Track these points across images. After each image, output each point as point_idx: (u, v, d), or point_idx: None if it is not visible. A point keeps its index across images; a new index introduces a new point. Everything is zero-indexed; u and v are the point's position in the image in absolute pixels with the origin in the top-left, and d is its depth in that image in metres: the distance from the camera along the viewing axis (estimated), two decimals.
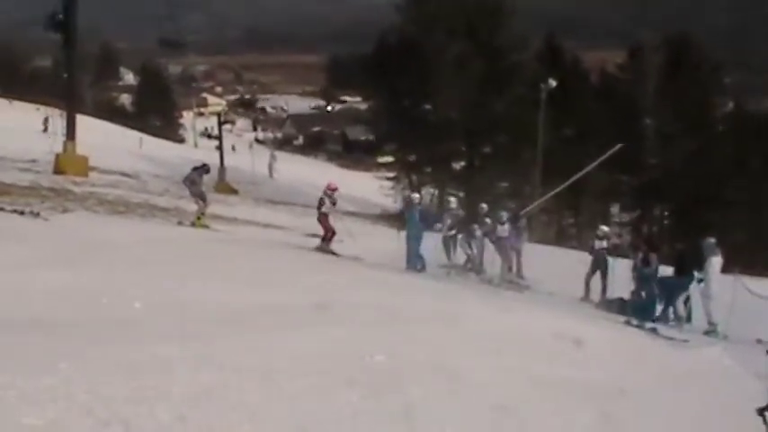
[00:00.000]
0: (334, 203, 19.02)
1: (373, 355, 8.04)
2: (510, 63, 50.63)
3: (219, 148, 45.77)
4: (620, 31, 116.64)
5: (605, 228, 19.20)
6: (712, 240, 15.67)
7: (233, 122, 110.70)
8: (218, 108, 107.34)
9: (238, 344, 7.83)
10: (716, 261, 15.26)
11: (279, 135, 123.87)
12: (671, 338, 13.14)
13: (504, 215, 19.39)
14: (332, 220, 18.83)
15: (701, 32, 65.93)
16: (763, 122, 58.97)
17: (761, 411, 2.74)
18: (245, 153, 61.09)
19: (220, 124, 53.79)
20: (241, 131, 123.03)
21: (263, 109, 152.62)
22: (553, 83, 39.87)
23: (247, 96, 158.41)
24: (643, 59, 56.82)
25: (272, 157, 57.72)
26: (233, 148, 52.26)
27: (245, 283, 11.50)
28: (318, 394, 6.59)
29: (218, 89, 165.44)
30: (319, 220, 18.87)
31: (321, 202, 18.95)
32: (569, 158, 39.89)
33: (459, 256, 19.59)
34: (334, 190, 19.32)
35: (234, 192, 38.15)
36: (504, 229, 18.67)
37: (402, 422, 6.28)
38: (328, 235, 18.61)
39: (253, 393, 6.34)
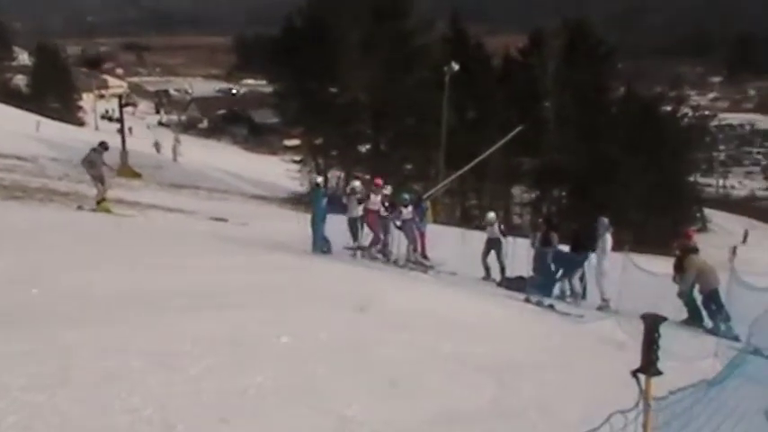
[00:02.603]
0: (384, 203, 18.81)
1: (279, 336, 8.15)
2: (415, 46, 51.00)
3: (121, 131, 44.63)
4: (522, 17, 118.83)
5: (491, 215, 19.45)
6: (605, 219, 16.29)
7: (135, 105, 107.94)
8: (120, 90, 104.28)
9: (140, 328, 7.81)
10: (608, 239, 15.92)
11: (183, 118, 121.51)
12: (567, 314, 13.66)
13: (408, 198, 19.62)
14: (378, 222, 18.58)
15: (595, 18, 67.78)
16: (652, 106, 61.37)
17: (634, 373, 2.99)
18: (145, 136, 59.85)
19: (122, 107, 52.38)
20: (144, 114, 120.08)
21: (166, 92, 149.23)
22: (456, 66, 40.38)
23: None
24: (543, 45, 58.14)
25: (176, 141, 56.75)
26: (130, 131, 50.94)
27: (147, 268, 11.41)
28: (222, 376, 6.66)
29: (120, 71, 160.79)
30: (367, 221, 18.59)
31: (362, 199, 18.73)
32: (472, 141, 40.64)
33: (366, 238, 19.73)
34: (380, 185, 19.38)
35: (137, 176, 37.36)
36: (408, 212, 18.90)
37: (307, 400, 6.40)
38: (375, 239, 18.58)
39: (156, 376, 6.36)
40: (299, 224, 19.62)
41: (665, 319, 3.02)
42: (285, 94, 54.42)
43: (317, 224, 18.09)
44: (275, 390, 6.55)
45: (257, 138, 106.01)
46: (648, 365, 2.96)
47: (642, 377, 2.97)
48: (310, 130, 53.26)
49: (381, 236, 18.49)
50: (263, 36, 70.49)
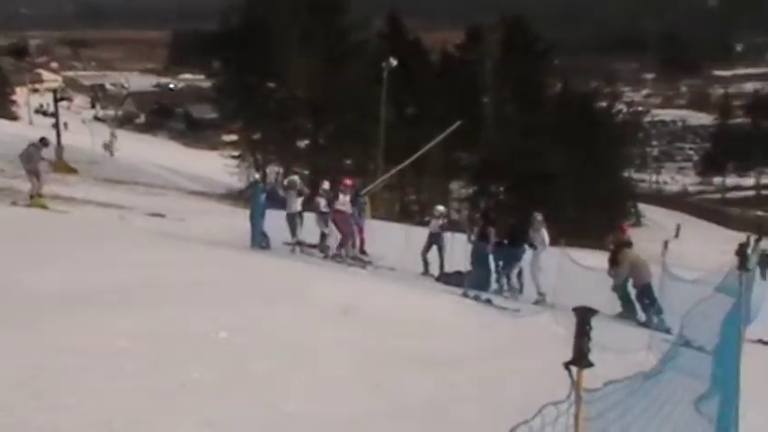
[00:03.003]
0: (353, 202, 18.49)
1: (217, 331, 8.09)
2: (352, 42, 51.01)
3: (56, 125, 43.64)
4: (458, 13, 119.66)
5: (441, 207, 19.74)
6: (539, 215, 16.53)
7: (70, 99, 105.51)
8: (55, 84, 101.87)
9: (75, 326, 7.69)
10: (544, 233, 16.17)
11: (119, 113, 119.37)
12: (504, 308, 13.82)
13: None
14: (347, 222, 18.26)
15: (532, 15, 68.58)
16: (588, 102, 62.48)
17: (566, 365, 3.03)
18: (79, 131, 58.63)
19: (56, 101, 51.21)
20: (79, 109, 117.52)
21: (101, 86, 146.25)
22: (394, 62, 40.45)
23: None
24: (481, 41, 58.65)
25: (112, 136, 55.75)
26: (65, 126, 49.87)
27: (82, 263, 11.22)
28: (160, 372, 6.60)
29: (55, 65, 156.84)
30: (334, 221, 18.22)
31: (332, 199, 18.39)
32: (411, 136, 40.81)
33: (305, 234, 19.63)
34: (350, 186, 19.04)
35: (72, 171, 36.56)
36: (345, 201, 18.91)
37: (245, 396, 6.38)
38: (344, 240, 18.15)
39: (92, 374, 6.27)
40: (237, 219, 19.46)
41: (596, 311, 3.06)
42: (223, 89, 53.94)
43: (256, 219, 17.96)
44: (214, 385, 6.51)
45: (195, 133, 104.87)
46: (580, 357, 3.00)
47: (574, 369, 3.01)
48: (249, 125, 52.90)
49: (349, 236, 18.22)
50: (201, 31, 69.68)
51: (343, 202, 18.22)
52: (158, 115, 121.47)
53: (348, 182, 19.53)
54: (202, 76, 78.93)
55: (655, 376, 3.80)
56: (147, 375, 6.47)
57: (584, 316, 3.08)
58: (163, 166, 54.51)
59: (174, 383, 6.36)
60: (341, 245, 18.09)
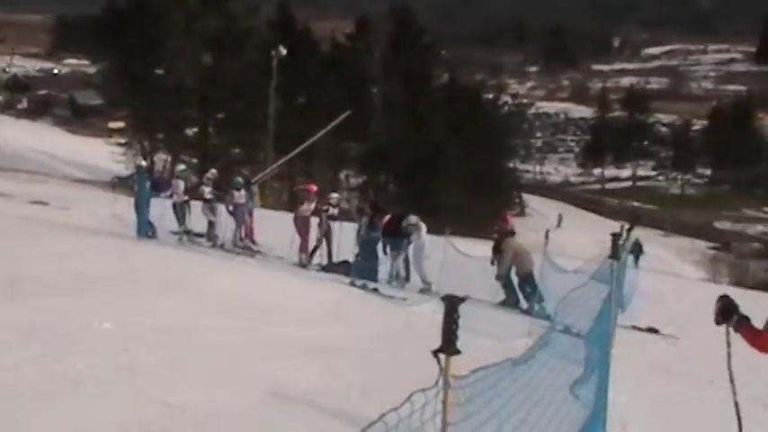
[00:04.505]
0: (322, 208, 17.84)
1: (101, 322, 7.92)
2: (241, 29, 50.37)
3: None
4: (348, 2, 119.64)
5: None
6: (413, 218, 16.71)
7: None
8: None
9: None
10: (422, 228, 16.39)
11: (0, 98, 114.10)
12: (391, 297, 13.98)
13: (241, 181, 19.45)
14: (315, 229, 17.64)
15: (420, 6, 69.37)
16: (473, 94, 63.69)
17: (435, 353, 3.13)
18: None
19: None
20: None
21: None
22: (284, 51, 40.25)
23: None
24: (369, 31, 58.91)
25: None
26: None
27: None
28: (40, 365, 6.44)
29: None
30: (296, 226, 17.68)
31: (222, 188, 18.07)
32: (301, 125, 40.66)
33: (192, 223, 19.34)
34: (314, 192, 18.61)
35: None
36: (240, 195, 18.75)
37: (129, 387, 6.28)
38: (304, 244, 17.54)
39: None
40: (123, 208, 19.00)
41: (464, 299, 3.17)
42: (109, 74, 52.35)
43: (142, 208, 17.57)
44: (96, 377, 6.39)
45: (80, 119, 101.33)
46: (448, 345, 3.11)
47: (443, 356, 3.12)
48: (135, 112, 51.54)
49: (311, 241, 17.71)
50: (85, 15, 67.44)
51: (308, 208, 17.88)
52: (42, 101, 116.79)
53: (313, 187, 19.37)
54: (87, 62, 76.40)
55: (526, 362, 3.95)
56: (27, 368, 6.31)
57: (452, 304, 3.18)
58: (47, 152, 52.68)
59: (54, 376, 6.21)
60: (302, 250, 17.61)
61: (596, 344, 6.01)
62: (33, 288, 9.15)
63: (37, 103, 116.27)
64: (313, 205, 17.99)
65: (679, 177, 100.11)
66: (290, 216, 18.93)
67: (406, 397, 2.83)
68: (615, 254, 5.90)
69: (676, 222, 74.89)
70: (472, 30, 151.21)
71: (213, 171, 20.49)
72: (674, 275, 29.17)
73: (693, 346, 12.81)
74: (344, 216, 19.42)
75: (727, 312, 4.50)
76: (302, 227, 17.66)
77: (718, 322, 4.56)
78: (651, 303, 15.22)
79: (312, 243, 17.56)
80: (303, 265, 17.17)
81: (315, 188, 19.51)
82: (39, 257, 11.37)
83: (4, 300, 8.37)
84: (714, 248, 65.89)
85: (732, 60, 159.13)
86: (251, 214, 19.19)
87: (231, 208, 18.78)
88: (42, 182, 34.44)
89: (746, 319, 4.44)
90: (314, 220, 17.86)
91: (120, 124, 59.98)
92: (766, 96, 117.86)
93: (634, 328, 13.31)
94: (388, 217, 17.37)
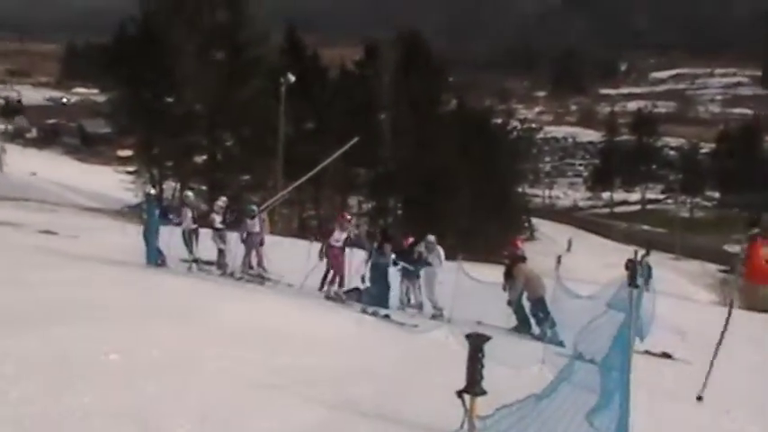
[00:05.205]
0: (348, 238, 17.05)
1: (107, 353, 7.84)
2: (250, 57, 50.61)
3: None
4: (354, 29, 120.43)
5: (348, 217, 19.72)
6: (432, 237, 16.74)
7: None
8: None
9: None
10: (439, 251, 16.40)
11: (9, 127, 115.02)
12: (402, 324, 13.88)
13: (254, 209, 19.34)
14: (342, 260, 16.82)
15: (428, 31, 69.64)
16: (482, 119, 63.74)
17: (459, 393, 3.05)
18: None
19: None
20: None
21: None
22: (292, 78, 40.41)
23: None
24: (378, 57, 59.15)
25: (2, 150, 53.74)
26: None
27: None
28: (47, 398, 6.35)
29: None
30: (327, 255, 16.92)
31: (329, 233, 17.22)
32: (310, 152, 40.73)
33: (202, 251, 19.28)
34: (348, 220, 18.05)
35: None
36: (254, 224, 18.60)
37: (135, 421, 6.19)
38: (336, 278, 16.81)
39: None
40: (132, 236, 18.97)
41: (489, 338, 3.08)
42: (118, 103, 52.55)
43: (151, 236, 17.53)
44: (102, 410, 6.31)
45: (90, 148, 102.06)
46: (473, 385, 3.02)
47: (467, 397, 3.03)
48: (144, 140, 51.66)
49: (344, 274, 16.86)
50: (95, 44, 68.02)
51: (338, 238, 16.95)
52: (51, 130, 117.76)
53: (348, 216, 18.88)
54: (96, 90, 76.93)
55: (548, 396, 3.87)
56: (33, 402, 6.21)
57: (477, 343, 3.10)
58: (56, 182, 52.87)
59: (61, 410, 6.13)
60: (333, 282, 16.80)
61: (613, 371, 5.92)
62: (40, 318, 9.10)
63: (46, 132, 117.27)
64: (344, 235, 17.09)
65: (688, 201, 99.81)
66: (301, 243, 18.84)
67: None
68: (634, 281, 5.80)
69: (686, 246, 74.53)
70: (480, 54, 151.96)
71: (224, 199, 20.41)
72: (685, 299, 28.93)
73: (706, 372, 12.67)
74: (353, 242, 19.29)
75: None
76: (335, 258, 16.85)
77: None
78: (664, 328, 15.05)
79: (347, 276, 16.91)
80: (339, 299, 16.33)
81: (349, 217, 19.12)
82: (46, 286, 11.35)
83: (10, 329, 8.31)
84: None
85: (738, 84, 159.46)
86: (262, 242, 19.10)
87: (245, 236, 18.67)
88: (52, 211, 34.48)
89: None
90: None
91: (129, 152, 60.22)
92: None
93: (647, 353, 13.15)
94: (410, 240, 17.23)
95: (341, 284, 16.75)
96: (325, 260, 16.98)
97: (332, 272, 16.85)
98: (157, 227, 17.73)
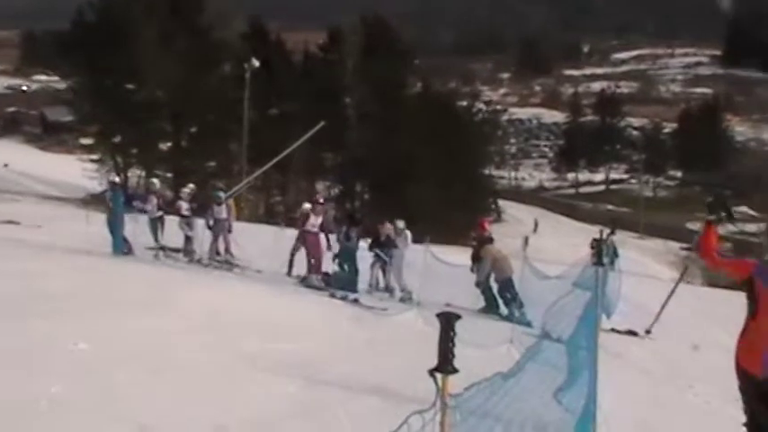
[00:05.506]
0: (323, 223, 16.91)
1: (76, 343, 7.82)
2: (213, 42, 50.19)
3: None
4: (318, 13, 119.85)
5: (307, 206, 19.68)
6: (401, 222, 16.85)
7: None
8: None
9: None
10: (407, 234, 16.52)
11: None
12: (372, 307, 13.94)
13: (221, 195, 19.33)
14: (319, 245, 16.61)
15: (391, 14, 69.41)
16: (447, 102, 63.78)
17: (431, 372, 3.09)
18: None
19: None
20: None
21: None
22: (256, 63, 40.17)
23: None
24: (341, 41, 58.95)
25: None
26: None
27: None
28: (13, 387, 6.33)
29: None
30: (304, 241, 16.77)
31: (305, 217, 17.01)
32: (275, 137, 40.58)
33: (168, 238, 19.15)
34: (322, 204, 17.88)
35: None
36: (221, 210, 18.63)
37: (104, 409, 6.19)
38: (317, 264, 16.50)
39: None
40: (96, 225, 18.80)
41: (459, 316, 3.12)
42: (79, 90, 51.78)
43: (116, 225, 17.39)
44: (70, 399, 6.30)
45: (52, 136, 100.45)
46: (444, 364, 3.06)
47: (439, 375, 3.07)
48: (107, 127, 51.01)
49: (321, 258, 16.71)
50: (53, 31, 66.77)
51: (314, 223, 16.89)
52: (11, 118, 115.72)
53: (321, 200, 18.79)
54: (57, 78, 75.66)
55: (515, 375, 3.93)
56: (1, 393, 6.18)
57: (447, 321, 3.13)
58: (17, 170, 52.10)
59: (28, 399, 6.11)
60: (313, 269, 16.56)
61: (580, 349, 6.01)
62: (7, 309, 9.04)
63: (6, 121, 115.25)
64: (320, 219, 17.08)
65: (651, 180, 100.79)
66: (268, 229, 18.79)
67: (404, 419, 2.78)
68: (599, 260, 5.89)
69: (649, 224, 75.41)
70: (445, 39, 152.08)
71: (191, 186, 20.30)
72: (648, 277, 29.32)
73: (670, 348, 12.92)
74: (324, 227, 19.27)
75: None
76: (313, 245, 16.79)
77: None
78: (628, 306, 15.26)
79: (325, 261, 16.88)
80: (318, 287, 16.05)
81: (324, 201, 19.06)
82: (9, 277, 11.23)
83: None
84: (686, 249, 66.51)
85: (698, 64, 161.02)
86: (230, 229, 19.05)
87: (211, 222, 18.66)
88: (13, 200, 34.01)
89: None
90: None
91: (92, 140, 59.49)
92: (733, 99, 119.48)
93: (613, 330, 13.35)
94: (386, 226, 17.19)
95: (318, 270, 16.65)
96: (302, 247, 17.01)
97: (313, 260, 16.69)
98: (123, 215, 17.60)
